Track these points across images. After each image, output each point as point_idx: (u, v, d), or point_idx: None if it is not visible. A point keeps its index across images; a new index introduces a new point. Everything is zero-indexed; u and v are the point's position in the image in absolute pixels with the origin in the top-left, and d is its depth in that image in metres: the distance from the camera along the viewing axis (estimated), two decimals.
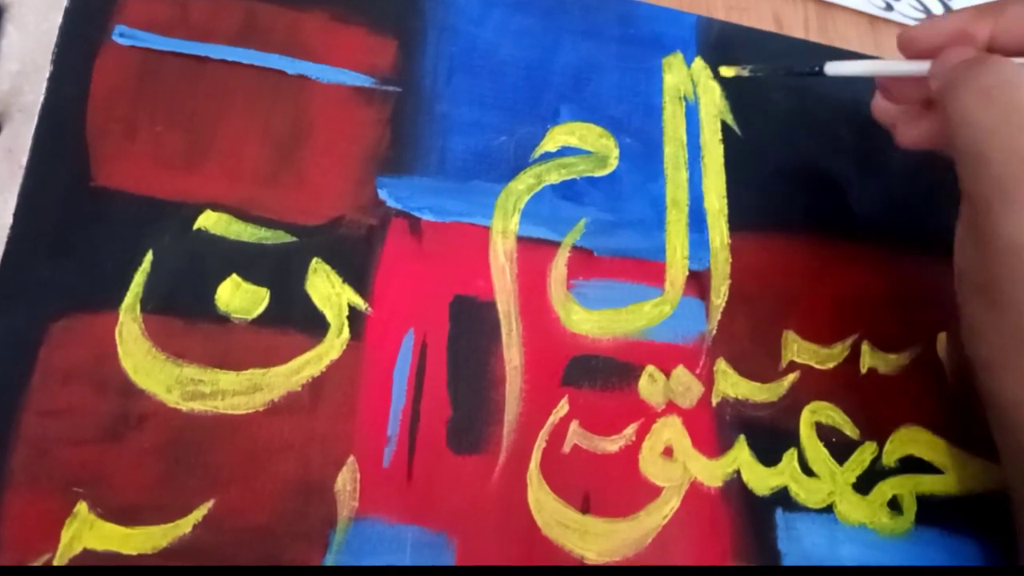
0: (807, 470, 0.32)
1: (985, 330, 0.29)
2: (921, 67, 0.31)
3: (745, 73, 0.36)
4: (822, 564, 0.31)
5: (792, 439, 0.33)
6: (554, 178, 0.33)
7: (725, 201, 0.35)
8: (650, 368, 0.32)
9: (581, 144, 0.34)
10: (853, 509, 0.32)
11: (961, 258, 0.31)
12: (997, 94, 0.28)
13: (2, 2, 0.29)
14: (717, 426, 0.32)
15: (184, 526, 0.26)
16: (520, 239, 0.32)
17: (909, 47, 0.32)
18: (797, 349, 0.34)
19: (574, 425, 0.30)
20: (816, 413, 0.33)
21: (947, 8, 0.43)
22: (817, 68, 0.33)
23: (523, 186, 0.33)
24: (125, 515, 0.25)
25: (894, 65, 0.32)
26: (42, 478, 0.25)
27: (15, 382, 0.25)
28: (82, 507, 0.25)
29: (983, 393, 0.30)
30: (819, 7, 0.43)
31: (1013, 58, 0.29)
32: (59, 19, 0.29)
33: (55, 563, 0.24)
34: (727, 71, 0.36)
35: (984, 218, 0.28)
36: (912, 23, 0.44)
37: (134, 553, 0.25)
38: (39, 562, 0.24)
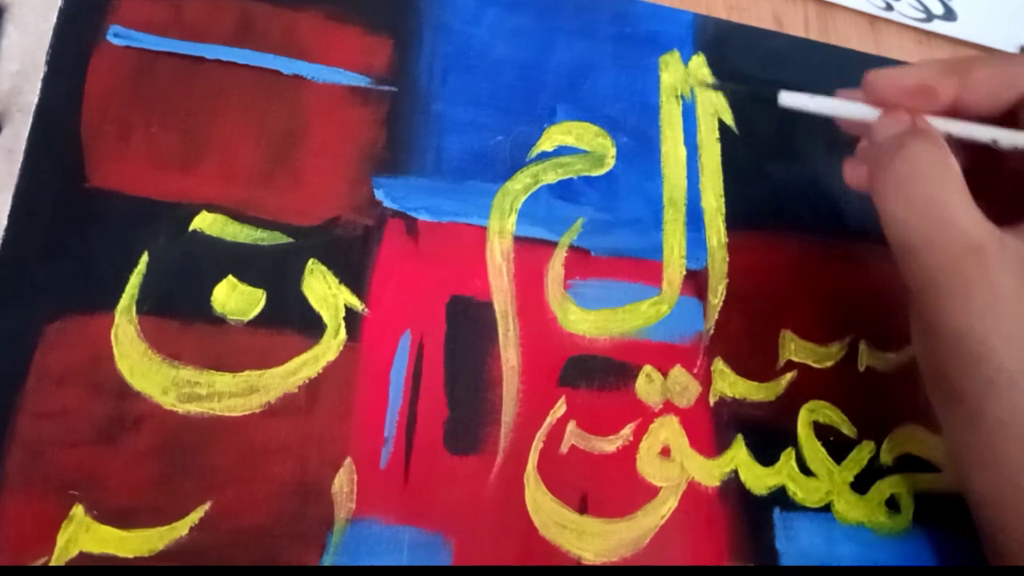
0: (805, 469, 0.32)
1: (947, 423, 0.29)
2: (872, 113, 0.30)
3: (709, 81, 0.36)
4: (820, 564, 0.31)
5: (790, 438, 0.33)
6: (551, 178, 0.33)
7: (722, 200, 0.35)
8: (647, 368, 0.32)
9: (577, 143, 0.34)
10: (851, 508, 0.32)
11: (916, 346, 0.30)
12: (911, 187, 0.27)
13: (2, 2, 0.29)
14: (715, 426, 0.32)
15: (181, 528, 0.25)
16: (517, 239, 0.32)
17: (870, 92, 0.30)
18: (794, 348, 0.34)
19: (571, 425, 0.30)
20: (814, 412, 0.33)
21: (947, 9, 0.43)
22: (772, 95, 0.31)
23: (520, 186, 0.33)
24: (121, 518, 0.25)
25: (847, 106, 0.30)
26: (37, 481, 0.25)
27: (10, 384, 0.25)
28: (78, 510, 0.25)
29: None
30: (819, 7, 0.43)
31: (973, 125, 0.29)
32: None
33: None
34: (697, 84, 0.36)
35: (923, 309, 0.28)
36: (912, 23, 0.44)
37: (131, 556, 0.25)
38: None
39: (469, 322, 0.30)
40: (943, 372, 0.28)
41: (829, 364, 0.35)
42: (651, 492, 0.30)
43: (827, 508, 0.32)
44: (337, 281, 0.29)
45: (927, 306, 0.28)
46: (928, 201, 0.27)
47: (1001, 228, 0.27)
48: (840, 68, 0.40)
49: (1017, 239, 0.27)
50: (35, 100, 0.28)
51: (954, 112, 0.29)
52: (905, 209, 0.27)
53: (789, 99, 0.30)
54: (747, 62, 0.38)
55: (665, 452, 0.31)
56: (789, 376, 0.34)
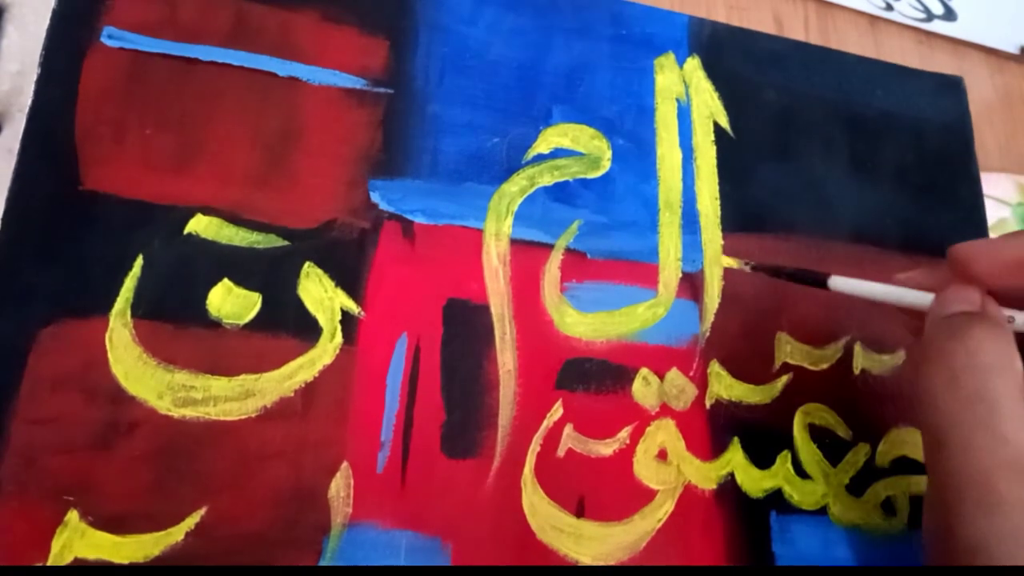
0: (801, 472, 0.33)
1: None
2: (925, 299, 0.28)
3: (747, 268, 0.34)
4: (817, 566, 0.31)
5: (786, 441, 0.33)
6: (547, 180, 0.33)
7: (718, 203, 0.35)
8: (644, 371, 0.32)
9: (574, 145, 0.34)
10: (847, 511, 0.32)
11: (928, 531, 0.27)
12: (963, 378, 0.24)
13: (2, 2, 0.29)
14: (711, 428, 0.32)
15: (176, 534, 0.25)
16: (513, 242, 0.32)
17: (958, 266, 0.27)
18: (790, 351, 0.34)
19: (568, 429, 0.30)
20: (809, 415, 0.33)
21: (947, 9, 0.43)
22: (822, 279, 0.30)
23: (516, 188, 0.32)
24: (116, 523, 0.25)
25: (899, 292, 0.28)
26: (32, 487, 0.24)
27: (4, 389, 0.25)
28: (73, 516, 0.25)
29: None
30: (819, 7, 0.43)
31: None
32: None
33: None
34: (728, 262, 0.34)
35: (941, 509, 0.25)
36: (912, 23, 0.44)
37: (125, 562, 0.25)
38: None
39: (466, 325, 0.30)
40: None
41: (824, 367, 0.35)
42: (648, 495, 0.30)
43: (823, 511, 0.32)
44: (333, 284, 0.29)
45: (946, 510, 0.25)
46: (977, 398, 0.24)
47: None
48: (837, 71, 0.40)
49: None
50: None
51: None
52: (949, 400, 0.25)
53: (839, 283, 0.29)
54: (743, 65, 0.38)
55: (662, 455, 0.31)
56: (785, 379, 0.34)
